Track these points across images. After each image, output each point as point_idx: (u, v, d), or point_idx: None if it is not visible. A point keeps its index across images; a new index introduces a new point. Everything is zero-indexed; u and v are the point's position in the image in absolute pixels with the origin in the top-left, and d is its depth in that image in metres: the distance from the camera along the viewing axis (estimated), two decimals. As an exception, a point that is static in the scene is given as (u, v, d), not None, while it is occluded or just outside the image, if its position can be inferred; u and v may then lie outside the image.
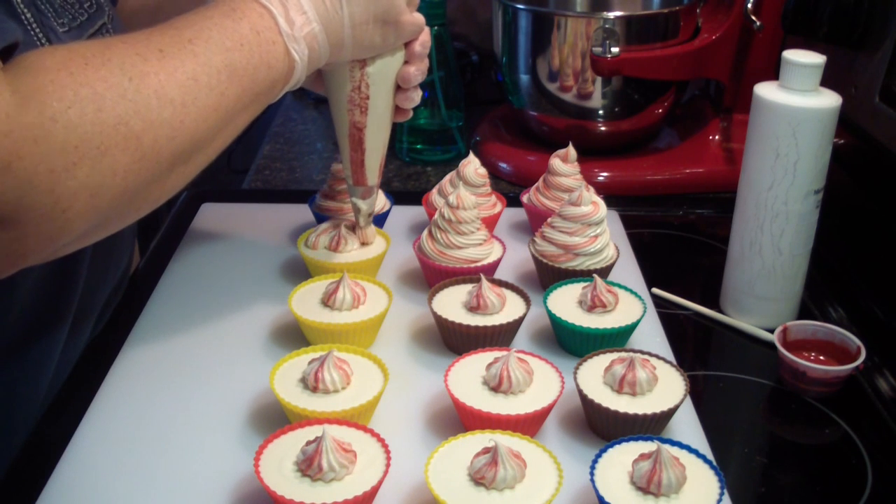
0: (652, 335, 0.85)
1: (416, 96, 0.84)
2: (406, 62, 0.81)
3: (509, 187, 1.23)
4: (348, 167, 0.86)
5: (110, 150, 0.57)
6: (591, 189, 0.93)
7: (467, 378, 0.71)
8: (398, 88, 0.83)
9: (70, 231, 0.58)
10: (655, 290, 0.96)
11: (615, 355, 0.73)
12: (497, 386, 0.69)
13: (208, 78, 0.63)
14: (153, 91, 0.59)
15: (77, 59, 0.57)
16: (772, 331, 0.86)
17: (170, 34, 0.63)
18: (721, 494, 0.60)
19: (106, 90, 0.57)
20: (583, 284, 0.83)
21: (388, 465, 0.62)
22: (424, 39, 0.81)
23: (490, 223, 0.97)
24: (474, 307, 0.80)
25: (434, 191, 1.00)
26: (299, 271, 0.93)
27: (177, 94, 0.61)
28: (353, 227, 0.90)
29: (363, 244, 0.90)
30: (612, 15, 1.15)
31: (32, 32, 0.69)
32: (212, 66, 0.64)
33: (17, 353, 0.77)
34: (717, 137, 1.24)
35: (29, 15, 0.69)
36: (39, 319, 0.78)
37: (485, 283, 0.80)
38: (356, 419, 0.68)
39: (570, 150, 0.98)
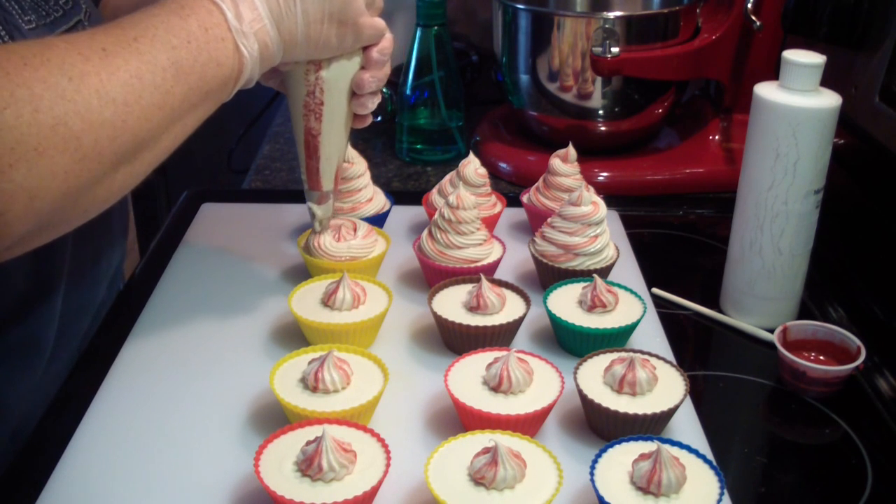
0: (652, 335, 0.85)
1: (371, 103, 0.82)
2: (362, 67, 0.80)
3: (509, 187, 1.23)
4: (304, 172, 0.85)
5: (48, 151, 0.56)
6: (591, 189, 0.93)
7: (467, 378, 0.71)
8: (353, 94, 0.81)
9: (9, 234, 0.57)
10: (655, 290, 0.96)
11: (615, 355, 0.73)
12: (497, 386, 0.69)
13: (153, 76, 0.62)
14: (94, 90, 0.58)
15: (15, 59, 0.56)
16: (772, 331, 0.86)
17: (114, 33, 0.62)
18: (721, 494, 0.60)
19: (44, 90, 0.56)
20: (583, 284, 0.83)
21: (388, 465, 0.62)
22: (384, 46, 0.79)
23: (490, 223, 0.97)
24: (474, 307, 0.80)
25: (434, 191, 1.00)
26: (299, 271, 0.93)
27: (119, 93, 0.60)
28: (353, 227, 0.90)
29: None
30: (612, 15, 1.15)
31: None
32: (157, 64, 0.62)
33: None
34: (717, 137, 1.24)
35: None
36: (18, 309, 0.78)
37: (485, 283, 0.80)
38: (356, 419, 0.68)
39: (570, 150, 0.98)
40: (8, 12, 0.71)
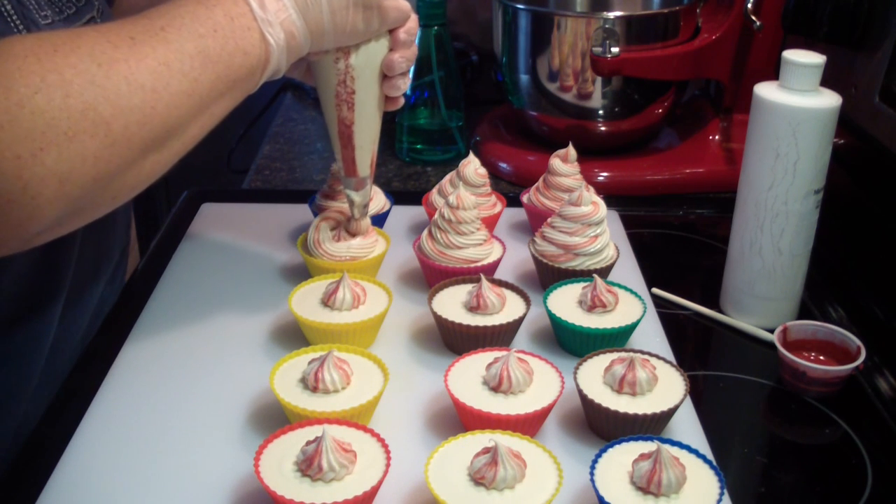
0: (652, 335, 0.85)
1: (403, 84, 0.82)
2: (391, 49, 0.80)
3: (509, 187, 1.23)
4: (339, 161, 0.86)
5: (78, 135, 0.57)
6: (591, 189, 0.93)
7: (467, 378, 0.71)
8: (384, 77, 0.81)
9: (41, 218, 0.58)
10: (655, 290, 0.96)
11: (615, 355, 0.73)
12: (497, 386, 0.69)
13: (181, 64, 0.63)
14: (123, 77, 0.60)
15: (46, 46, 0.57)
16: (772, 331, 0.86)
17: (142, 23, 0.64)
18: (721, 494, 0.60)
19: (74, 76, 0.57)
20: (583, 284, 0.83)
21: (388, 465, 0.62)
22: (410, 27, 0.80)
23: (490, 223, 0.97)
24: (474, 307, 0.80)
25: (434, 191, 1.00)
26: (299, 271, 0.93)
27: (147, 79, 0.61)
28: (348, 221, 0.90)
29: (354, 235, 0.89)
30: (612, 15, 1.15)
31: (12, 24, 0.69)
32: (184, 53, 0.64)
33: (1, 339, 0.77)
34: (717, 137, 1.24)
35: (9, 6, 0.69)
36: (26, 307, 0.78)
37: (485, 283, 0.80)
38: (356, 419, 0.68)
39: (570, 150, 0.98)
40: (26, 7, 0.72)
